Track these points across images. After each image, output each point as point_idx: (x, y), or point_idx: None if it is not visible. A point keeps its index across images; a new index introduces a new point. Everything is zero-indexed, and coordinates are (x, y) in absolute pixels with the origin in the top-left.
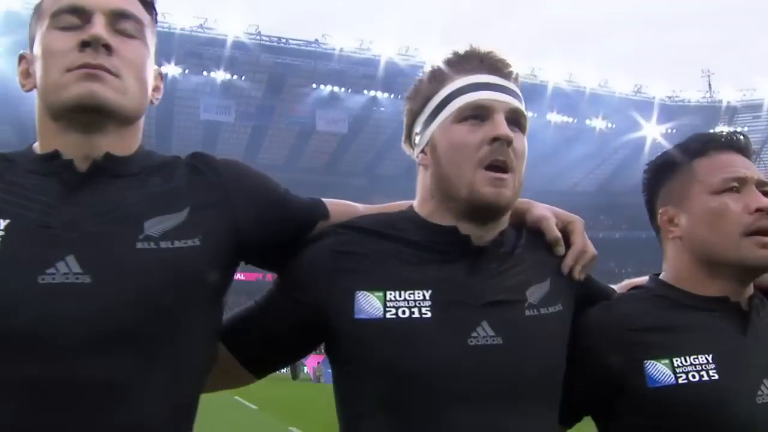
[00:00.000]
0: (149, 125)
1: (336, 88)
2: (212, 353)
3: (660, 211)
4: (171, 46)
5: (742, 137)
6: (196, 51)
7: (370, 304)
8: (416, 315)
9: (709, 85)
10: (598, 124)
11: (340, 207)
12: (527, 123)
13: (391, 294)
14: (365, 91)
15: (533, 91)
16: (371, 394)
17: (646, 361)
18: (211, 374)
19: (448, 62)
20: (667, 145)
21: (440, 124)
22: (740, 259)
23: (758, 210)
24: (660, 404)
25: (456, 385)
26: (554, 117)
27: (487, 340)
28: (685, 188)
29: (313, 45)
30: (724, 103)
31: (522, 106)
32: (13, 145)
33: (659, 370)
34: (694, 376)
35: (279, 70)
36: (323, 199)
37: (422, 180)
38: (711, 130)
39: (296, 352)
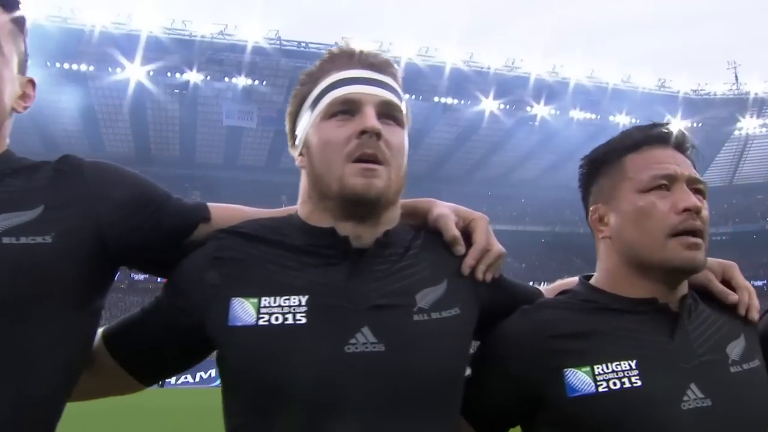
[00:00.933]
0: (173, 133)
1: None
2: (77, 355)
3: (591, 209)
4: (192, 53)
5: (676, 131)
6: (216, 57)
7: (244, 310)
8: (290, 321)
9: (736, 76)
10: (622, 120)
11: (226, 211)
12: (405, 116)
13: (266, 300)
14: None
15: (554, 89)
16: (247, 404)
17: (565, 370)
18: (98, 380)
19: (321, 61)
20: (693, 141)
21: (312, 122)
22: (665, 260)
23: (686, 210)
24: (580, 414)
25: (330, 394)
26: (577, 114)
27: (366, 347)
28: (614, 186)
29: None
30: (752, 95)
31: (396, 99)
32: (40, 154)
33: (579, 378)
34: (615, 384)
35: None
36: (210, 203)
37: (302, 182)
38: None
39: (182, 360)
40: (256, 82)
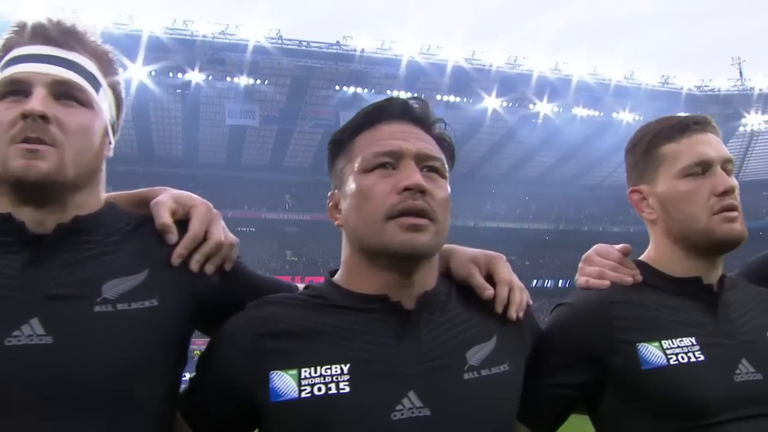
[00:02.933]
0: (176, 132)
1: (359, 89)
2: None
3: (329, 195)
4: (194, 53)
5: (415, 104)
6: (218, 57)
7: None
8: None
9: (740, 72)
10: (626, 116)
11: None
12: (87, 94)
13: None
14: (388, 91)
15: (557, 86)
16: None
17: (272, 372)
18: None
19: (7, 36)
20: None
21: None
22: (384, 245)
23: (406, 189)
24: (284, 421)
25: None
26: (580, 111)
27: (32, 340)
28: (344, 168)
29: (334, 47)
30: (757, 91)
31: (77, 77)
32: None
33: (284, 382)
34: (320, 389)
35: (301, 73)
36: None
37: None
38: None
39: None
40: (258, 81)
